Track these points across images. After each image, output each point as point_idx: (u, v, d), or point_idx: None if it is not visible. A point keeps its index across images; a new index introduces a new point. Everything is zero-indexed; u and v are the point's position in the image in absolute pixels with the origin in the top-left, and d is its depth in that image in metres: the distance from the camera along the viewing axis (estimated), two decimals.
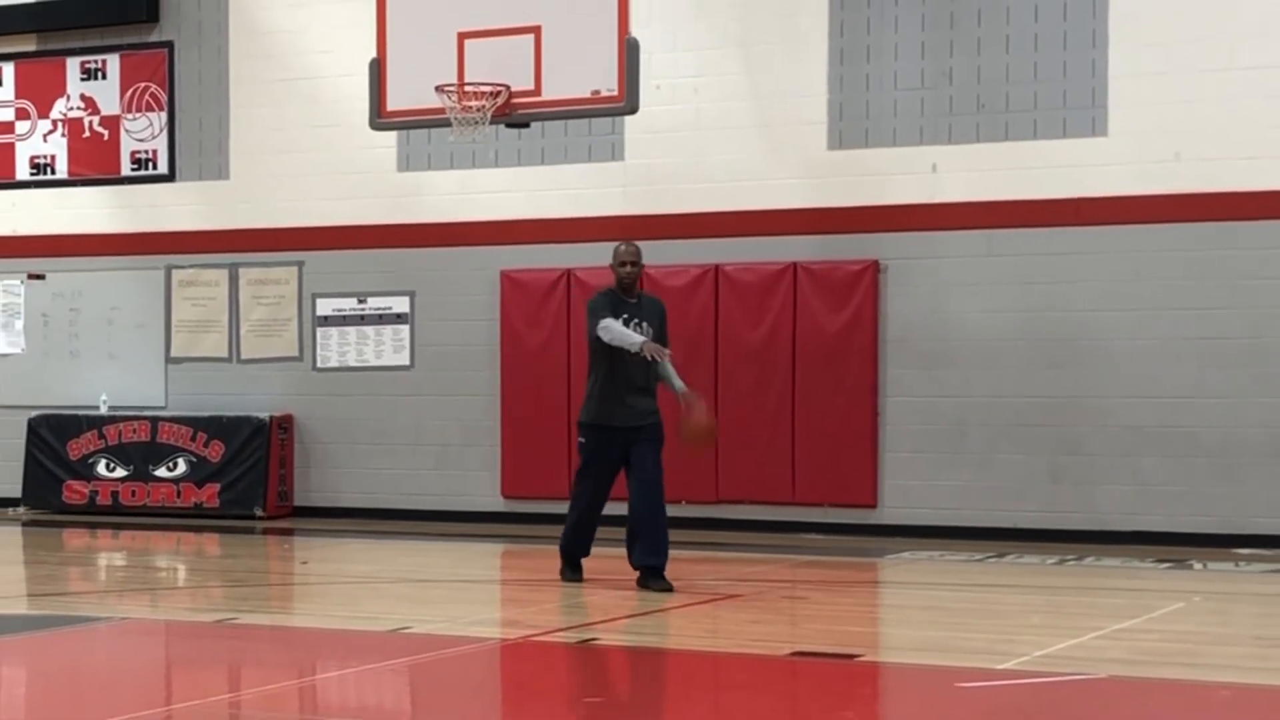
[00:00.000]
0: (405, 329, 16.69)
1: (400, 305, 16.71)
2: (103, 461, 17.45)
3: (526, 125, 14.02)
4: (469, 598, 12.32)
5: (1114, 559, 13.45)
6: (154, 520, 16.92)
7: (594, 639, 9.99)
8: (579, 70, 13.05)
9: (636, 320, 11.53)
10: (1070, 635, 9.77)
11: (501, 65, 13.13)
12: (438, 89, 13.24)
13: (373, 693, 8.60)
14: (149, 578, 13.69)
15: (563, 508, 15.39)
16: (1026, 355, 14.69)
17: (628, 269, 11.62)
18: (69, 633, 10.21)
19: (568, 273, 15.94)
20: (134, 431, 17.34)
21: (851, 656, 9.27)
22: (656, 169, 15.69)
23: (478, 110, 13.14)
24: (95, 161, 17.81)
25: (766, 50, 15.35)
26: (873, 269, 15.05)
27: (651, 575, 11.54)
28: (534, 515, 15.99)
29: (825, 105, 15.14)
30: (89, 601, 11.90)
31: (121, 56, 17.66)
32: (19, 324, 18.19)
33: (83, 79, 17.79)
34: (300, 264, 17.08)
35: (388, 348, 16.76)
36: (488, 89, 13.13)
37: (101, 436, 17.45)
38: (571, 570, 11.96)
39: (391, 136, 16.11)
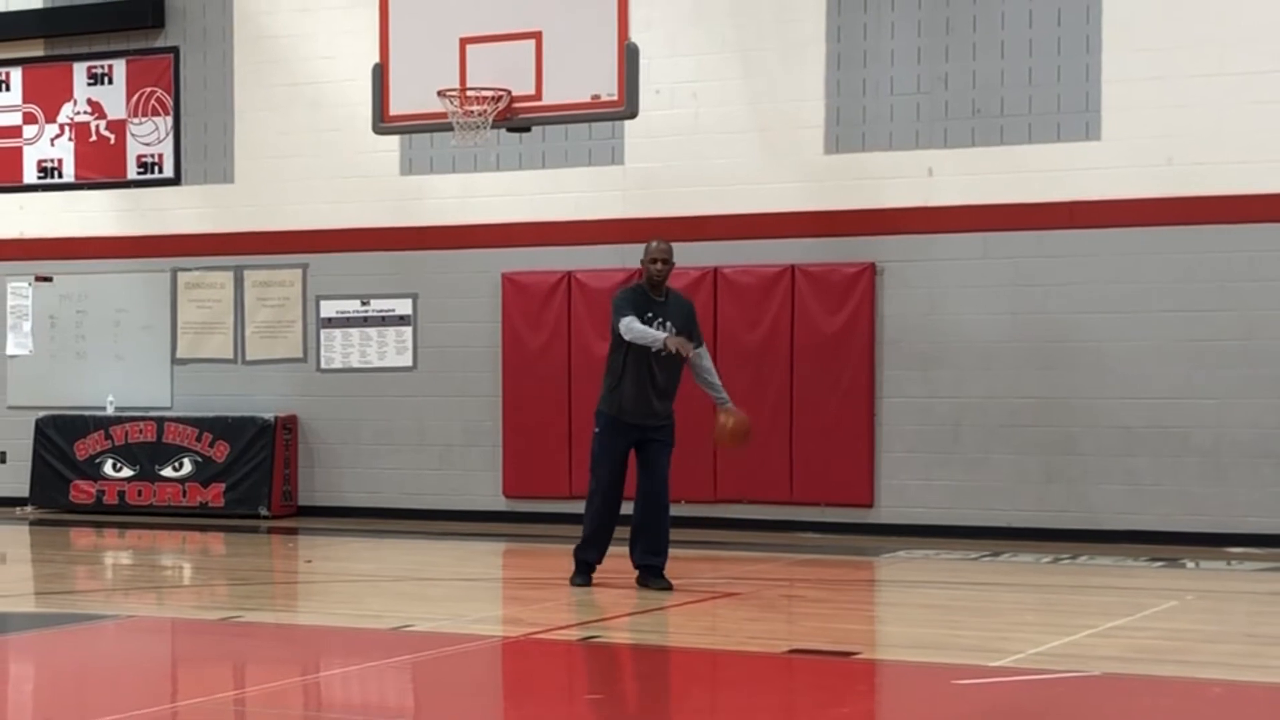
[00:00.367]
0: (408, 330, 16.72)
1: (403, 307, 16.73)
2: (109, 461, 17.47)
3: (527, 129, 13.95)
4: (471, 596, 12.31)
5: (1107, 558, 13.46)
6: (160, 519, 16.92)
7: (595, 637, 10.02)
8: (579, 75, 13.01)
9: (660, 319, 11.44)
10: (1064, 633, 9.80)
11: (503, 70, 13.11)
12: (440, 94, 13.22)
13: (376, 690, 8.56)
14: (155, 576, 13.67)
15: (563, 507, 15.61)
16: (1021, 356, 14.71)
17: (658, 266, 11.48)
18: (76, 630, 10.24)
19: (568, 275, 15.97)
20: (140, 432, 17.36)
21: (848, 654, 9.31)
22: (656, 173, 15.72)
23: (479, 115, 13.10)
24: (102, 165, 17.83)
25: (764, 55, 15.36)
26: (869, 271, 15.08)
27: (651, 574, 11.55)
28: (535, 515, 16.03)
29: (823, 110, 15.17)
30: (96, 599, 11.92)
31: (128, 62, 17.68)
32: (27, 325, 18.21)
33: (89, 84, 17.81)
34: (304, 266, 17.10)
35: (391, 349, 16.78)
36: (489, 94, 13.11)
37: (108, 437, 17.48)
38: (582, 576, 11.76)
39: (394, 141, 16.13)
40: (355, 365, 16.97)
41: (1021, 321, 14.72)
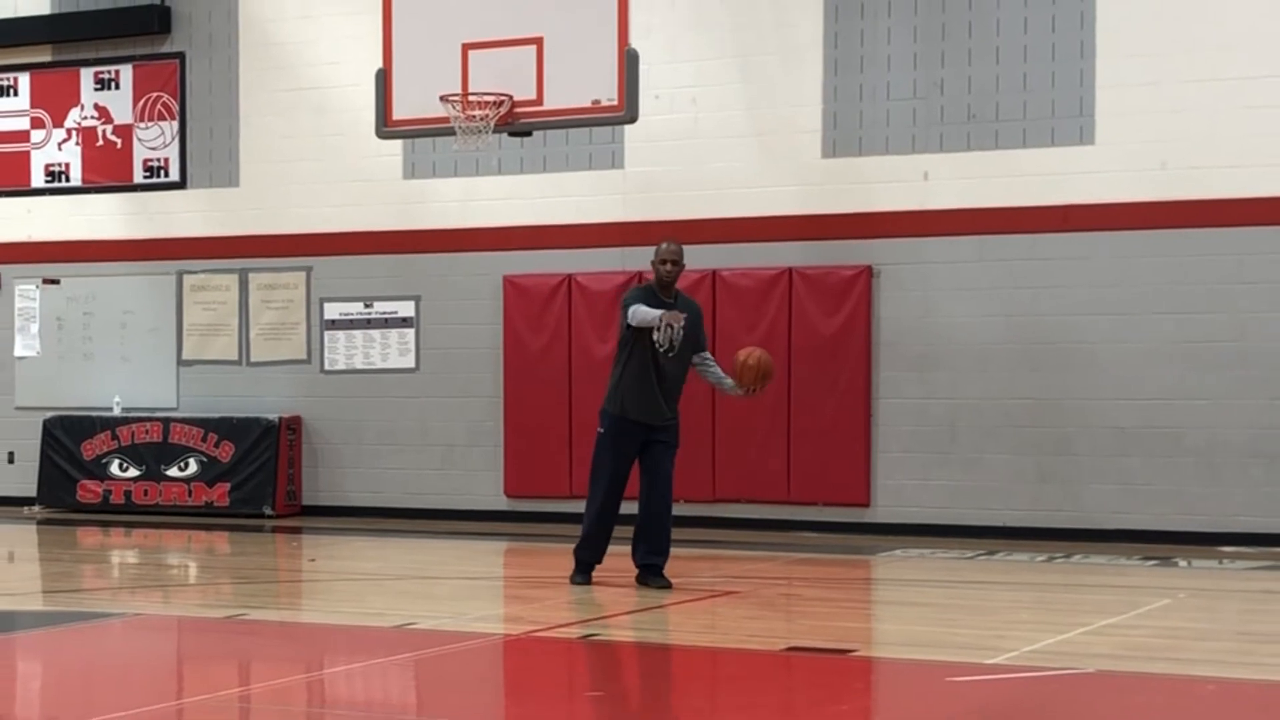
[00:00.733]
0: (411, 332, 16.75)
1: (406, 309, 16.78)
2: (116, 461, 17.52)
3: (529, 134, 13.90)
4: (473, 594, 12.33)
5: (1101, 556, 13.47)
6: (166, 519, 16.94)
7: (595, 634, 10.03)
8: (580, 80, 12.98)
9: None
10: (1058, 631, 9.82)
11: (504, 75, 13.08)
12: (442, 99, 13.18)
13: (379, 687, 8.53)
14: (161, 575, 13.67)
15: (563, 506, 15.71)
16: (1015, 358, 14.74)
17: (668, 267, 11.46)
18: (83, 628, 10.25)
19: (569, 278, 16.01)
20: (146, 432, 17.39)
21: (845, 651, 9.33)
22: (655, 177, 15.75)
23: (481, 119, 13.06)
24: (108, 169, 17.86)
25: (763, 61, 15.39)
26: (866, 274, 15.12)
27: (651, 573, 11.56)
28: (536, 514, 16.09)
29: (820, 114, 15.20)
30: (102, 598, 11.92)
31: (134, 67, 17.70)
32: (35, 328, 18.23)
33: (96, 89, 17.83)
34: (308, 269, 17.14)
35: (394, 351, 16.81)
36: (491, 98, 13.07)
37: (115, 437, 17.52)
38: (582, 575, 11.77)
39: (397, 145, 16.18)
40: (359, 367, 17.00)
41: (1016, 323, 14.75)
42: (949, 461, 14.96)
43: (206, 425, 17.24)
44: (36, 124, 18.21)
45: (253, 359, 17.47)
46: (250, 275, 17.43)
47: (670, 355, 11.39)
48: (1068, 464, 14.63)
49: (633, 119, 13.13)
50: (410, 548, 14.77)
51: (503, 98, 13.14)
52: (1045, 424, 14.69)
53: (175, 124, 17.58)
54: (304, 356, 17.25)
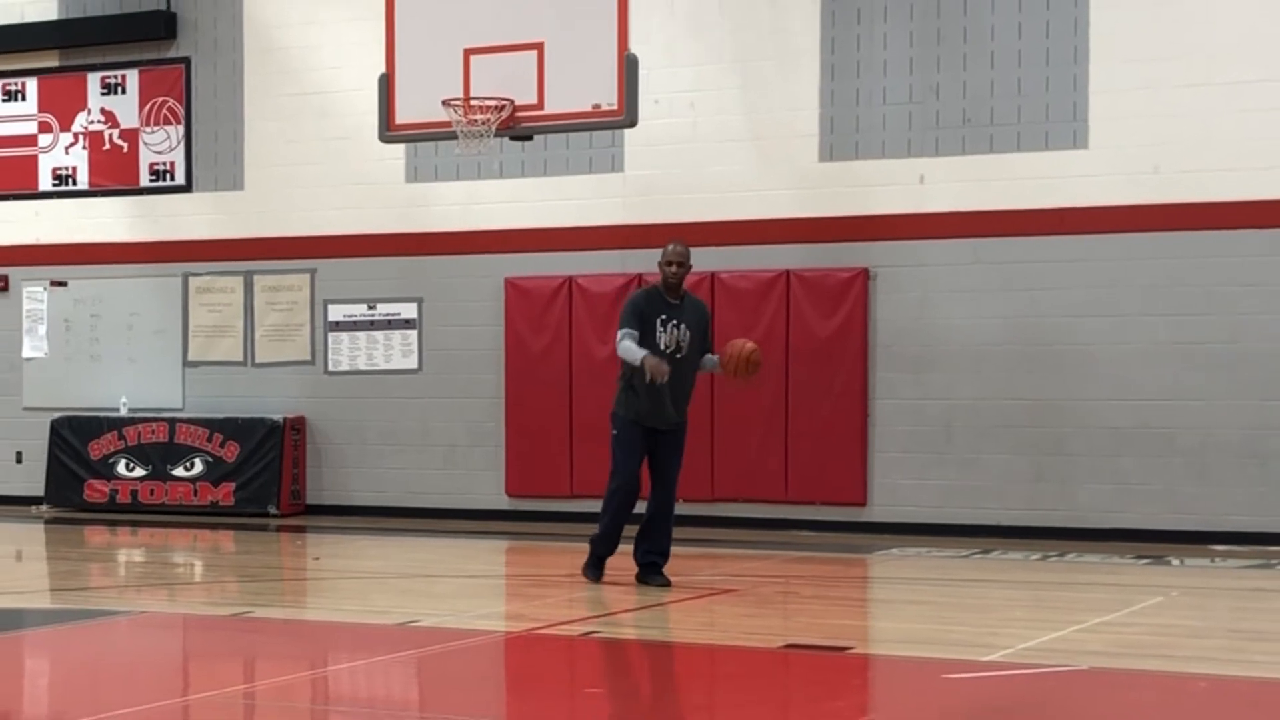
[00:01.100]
0: (413, 334, 16.79)
1: (409, 311, 16.83)
2: (122, 461, 17.57)
3: (530, 138, 13.97)
4: (475, 592, 12.34)
5: (1094, 555, 13.49)
6: (172, 518, 16.98)
7: (595, 632, 10.06)
8: (580, 85, 13.02)
9: (675, 321, 11.41)
10: (1052, 628, 9.85)
11: (506, 80, 13.11)
12: (444, 103, 13.22)
13: (382, 684, 8.56)
14: (167, 573, 13.68)
15: (564, 505, 15.77)
16: (1010, 359, 14.79)
17: (674, 269, 11.43)
18: (90, 626, 10.26)
19: (569, 280, 16.07)
20: (152, 432, 17.46)
21: (842, 649, 9.37)
22: (655, 180, 15.79)
23: (483, 123, 13.10)
24: (115, 173, 17.91)
25: (760, 66, 15.45)
26: (863, 276, 15.17)
27: (651, 571, 11.59)
28: (537, 513, 16.14)
29: (817, 119, 15.26)
30: (109, 596, 11.95)
31: (140, 72, 17.75)
32: (42, 329, 18.27)
33: (103, 93, 17.87)
34: (312, 271, 17.19)
35: (396, 352, 16.86)
36: (493, 103, 13.10)
37: (121, 437, 17.58)
38: (595, 569, 11.74)
39: (400, 149, 16.24)
40: (362, 368, 17.05)
41: (1011, 325, 14.81)
42: (945, 462, 15.02)
43: (212, 425, 17.30)
44: (44, 128, 18.24)
45: (257, 360, 17.52)
46: (255, 277, 17.48)
47: (678, 357, 11.41)
48: (1062, 464, 14.68)
49: (632, 123, 13.18)
50: (413, 546, 14.80)
51: (504, 102, 13.18)
52: (1040, 424, 14.74)
53: (181, 128, 17.63)
54: (308, 358, 17.31)
